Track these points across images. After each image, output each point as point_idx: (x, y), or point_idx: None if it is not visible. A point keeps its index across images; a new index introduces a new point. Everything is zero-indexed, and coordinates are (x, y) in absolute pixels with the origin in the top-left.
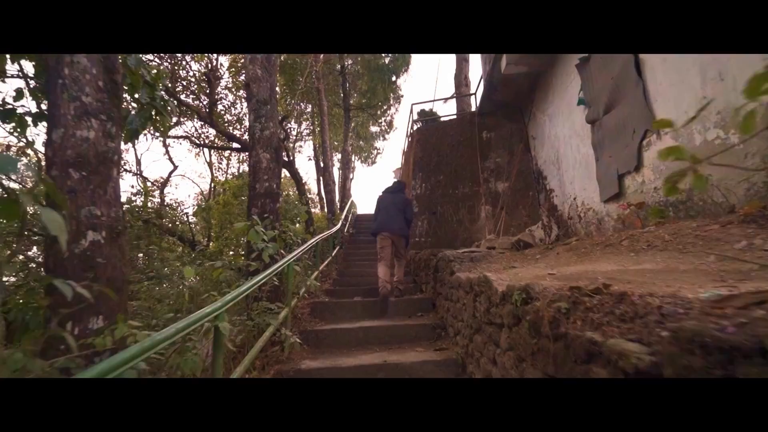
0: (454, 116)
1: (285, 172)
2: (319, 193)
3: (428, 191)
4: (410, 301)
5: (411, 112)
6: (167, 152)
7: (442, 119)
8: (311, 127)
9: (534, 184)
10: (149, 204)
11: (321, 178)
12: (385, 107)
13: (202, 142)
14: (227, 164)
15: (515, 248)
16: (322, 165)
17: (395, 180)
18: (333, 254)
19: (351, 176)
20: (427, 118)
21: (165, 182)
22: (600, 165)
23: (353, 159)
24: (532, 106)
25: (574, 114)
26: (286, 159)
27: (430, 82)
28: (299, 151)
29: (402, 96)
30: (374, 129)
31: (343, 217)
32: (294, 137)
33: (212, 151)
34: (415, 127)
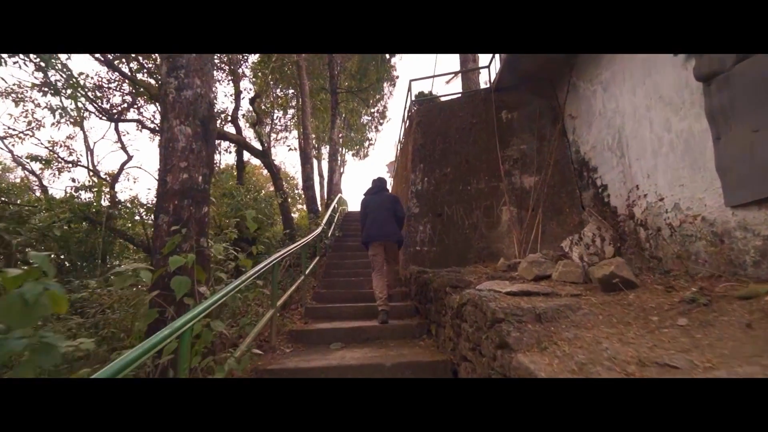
0: (462, 94)
1: (256, 163)
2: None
3: (432, 187)
4: (417, 366)
5: (409, 90)
6: (119, 140)
7: (449, 97)
8: (298, 115)
9: (574, 178)
10: (101, 201)
11: (303, 170)
12: (378, 96)
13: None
14: None
15: (598, 286)
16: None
17: (375, 178)
18: (308, 270)
19: (342, 170)
20: (427, 98)
21: (117, 175)
22: (724, 146)
23: (343, 151)
24: (570, 75)
25: (661, 73)
26: (259, 147)
27: (430, 60)
28: (283, 142)
29: (397, 77)
30: (366, 119)
31: (326, 217)
32: (278, 126)
33: None
34: (414, 108)
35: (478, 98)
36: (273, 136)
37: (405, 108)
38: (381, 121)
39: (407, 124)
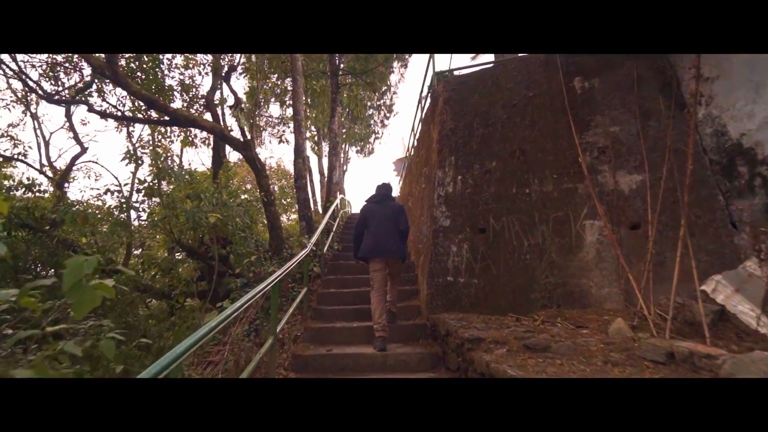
0: (509, 60)
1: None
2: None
3: (469, 190)
4: None
5: (431, 57)
6: (72, 128)
7: (492, 64)
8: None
9: (713, 176)
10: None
11: (294, 165)
12: (384, 87)
13: (118, 113)
14: (164, 144)
15: None
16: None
17: (380, 184)
18: (282, 322)
19: (345, 168)
20: (449, 70)
21: (66, 171)
22: None
23: (346, 147)
24: None
25: None
26: (240, 137)
27: None
28: (279, 136)
29: (409, 56)
30: (371, 111)
31: (321, 226)
32: (274, 119)
33: (150, 129)
34: (435, 81)
35: (535, 62)
36: (268, 130)
37: (422, 85)
38: (388, 114)
39: (428, 104)
